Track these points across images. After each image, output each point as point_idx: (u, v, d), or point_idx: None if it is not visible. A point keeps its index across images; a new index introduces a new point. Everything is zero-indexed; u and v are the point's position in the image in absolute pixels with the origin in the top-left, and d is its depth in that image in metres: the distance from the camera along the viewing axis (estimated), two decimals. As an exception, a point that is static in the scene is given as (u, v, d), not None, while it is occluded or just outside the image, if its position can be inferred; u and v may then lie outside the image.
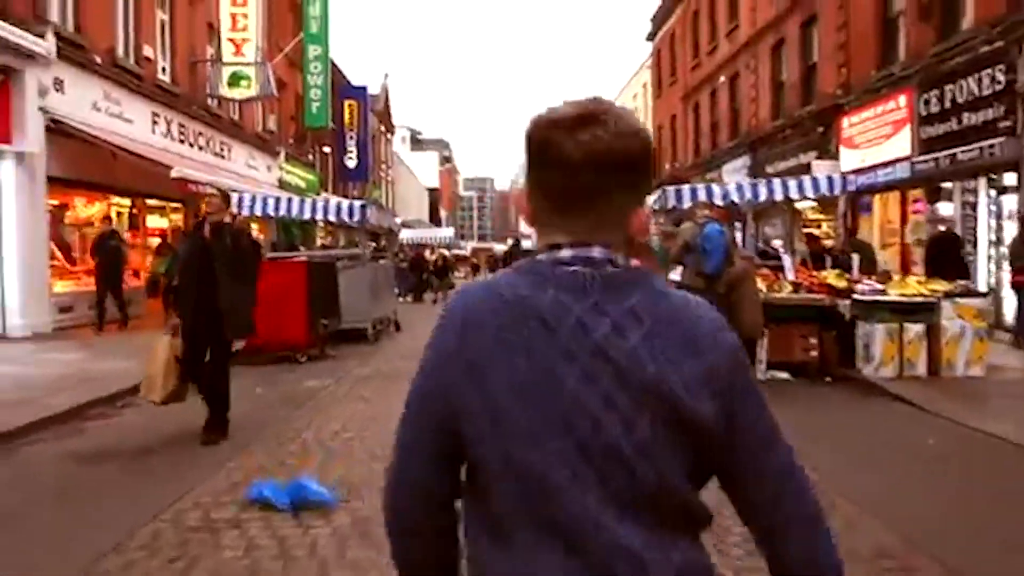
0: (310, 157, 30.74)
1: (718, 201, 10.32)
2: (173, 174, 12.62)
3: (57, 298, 13.39)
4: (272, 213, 12.82)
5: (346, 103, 35.43)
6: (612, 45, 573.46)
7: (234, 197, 13.16)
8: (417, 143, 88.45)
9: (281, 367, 10.58)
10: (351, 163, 35.34)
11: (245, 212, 12.89)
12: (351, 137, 35.40)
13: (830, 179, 10.39)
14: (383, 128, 53.89)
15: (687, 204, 10.47)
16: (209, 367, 6.22)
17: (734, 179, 19.88)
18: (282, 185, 25.31)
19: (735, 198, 10.34)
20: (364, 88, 37.26)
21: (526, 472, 1.09)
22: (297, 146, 28.82)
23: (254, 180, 22.06)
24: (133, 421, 7.24)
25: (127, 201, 17.54)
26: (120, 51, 15.66)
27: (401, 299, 25.34)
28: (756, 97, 23.23)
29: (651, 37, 38.51)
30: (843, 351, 9.39)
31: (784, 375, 9.40)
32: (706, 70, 28.55)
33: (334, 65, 34.79)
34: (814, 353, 9.46)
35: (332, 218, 13.05)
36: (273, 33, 25.33)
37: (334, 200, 13.60)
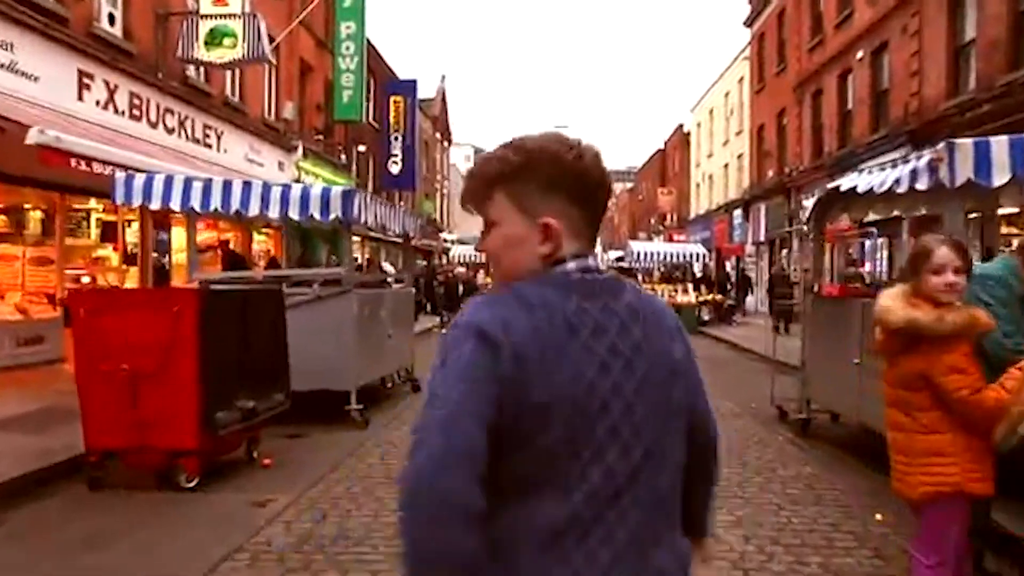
0: (341, 157, 25.74)
1: None
2: (30, 138, 7.49)
3: None
4: (178, 205, 7.54)
5: (392, 99, 30.44)
6: (697, 40, 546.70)
7: (119, 179, 8.03)
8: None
9: (132, 504, 5.27)
10: (395, 168, 30.25)
11: (136, 201, 7.63)
12: (396, 139, 30.33)
13: None
14: (439, 136, 48.98)
15: (960, 176, 4.69)
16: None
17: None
18: (298, 187, 20.25)
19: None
20: (413, 82, 32.18)
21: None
22: (323, 142, 23.85)
23: (256, 179, 17.04)
24: None
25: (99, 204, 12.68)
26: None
27: (441, 330, 20.06)
28: (919, 70, 17.18)
29: (750, 22, 32.58)
30: None
31: None
32: (833, 47, 22.53)
33: (377, 54, 29.94)
34: None
35: (295, 214, 7.72)
36: (298, 10, 20.55)
37: (298, 186, 8.21)
